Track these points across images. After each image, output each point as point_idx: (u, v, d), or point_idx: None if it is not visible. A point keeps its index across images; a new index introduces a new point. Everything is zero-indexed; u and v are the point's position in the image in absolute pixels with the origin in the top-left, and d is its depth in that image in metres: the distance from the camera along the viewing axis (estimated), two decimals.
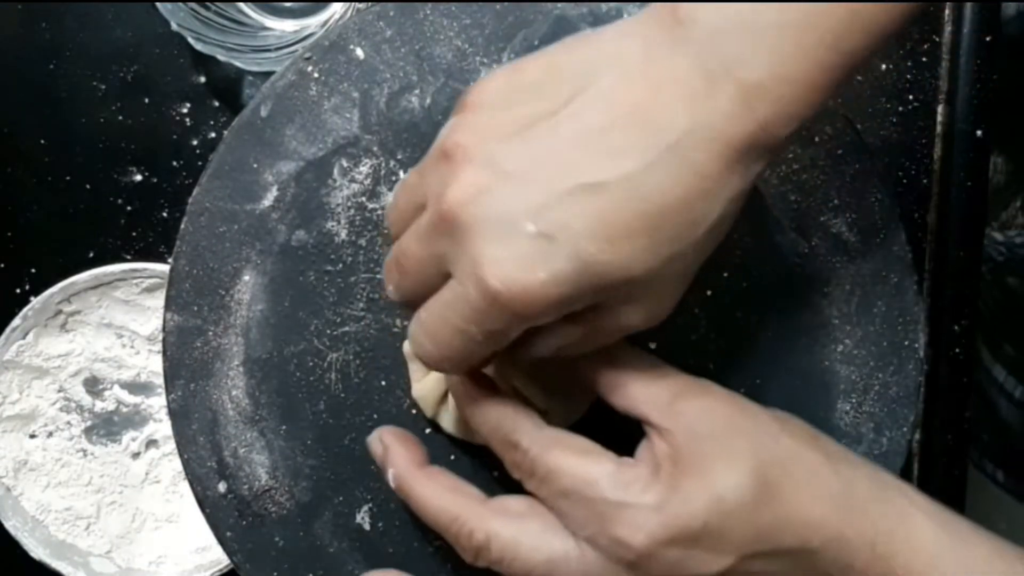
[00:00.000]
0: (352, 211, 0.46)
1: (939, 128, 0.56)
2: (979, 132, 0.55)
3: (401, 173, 0.46)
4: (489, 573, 0.39)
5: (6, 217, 0.57)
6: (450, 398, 0.43)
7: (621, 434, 0.37)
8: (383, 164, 0.46)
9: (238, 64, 0.54)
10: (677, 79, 0.32)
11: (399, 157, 0.46)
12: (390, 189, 0.46)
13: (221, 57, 0.53)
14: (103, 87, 0.57)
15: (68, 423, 0.58)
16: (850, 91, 0.55)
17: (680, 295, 0.36)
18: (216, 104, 0.57)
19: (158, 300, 0.56)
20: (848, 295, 0.46)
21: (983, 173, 0.56)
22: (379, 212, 0.46)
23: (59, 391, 0.57)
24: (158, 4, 0.51)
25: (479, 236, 0.32)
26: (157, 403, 0.58)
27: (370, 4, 0.47)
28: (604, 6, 0.46)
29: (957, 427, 0.55)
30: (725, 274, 0.46)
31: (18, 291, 0.57)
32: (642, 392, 0.37)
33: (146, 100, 0.57)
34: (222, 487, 0.45)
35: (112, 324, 0.57)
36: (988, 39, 0.55)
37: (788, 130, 0.33)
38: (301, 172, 0.46)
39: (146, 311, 0.57)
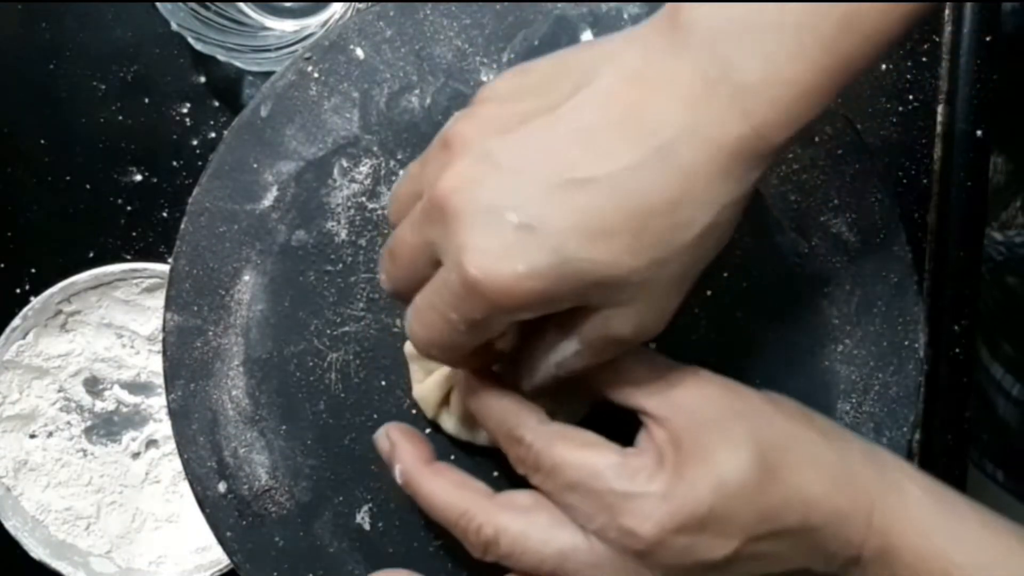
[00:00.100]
0: (352, 211, 0.46)
1: (939, 128, 0.56)
2: (979, 132, 0.55)
3: (401, 173, 0.46)
4: (491, 572, 0.39)
5: (6, 217, 0.57)
6: (451, 399, 0.43)
7: (620, 430, 0.37)
8: (383, 164, 0.46)
9: (238, 64, 0.54)
10: (673, 82, 0.33)
11: (399, 157, 0.46)
12: (390, 189, 0.46)
13: (221, 57, 0.53)
14: (103, 87, 0.57)
15: (68, 423, 0.58)
16: (850, 91, 0.55)
17: (674, 307, 0.35)
18: (216, 104, 0.57)
19: (158, 300, 0.56)
20: (848, 295, 0.46)
21: (983, 173, 0.56)
22: (379, 212, 0.46)
23: (59, 391, 0.57)
24: (158, 4, 0.51)
25: (465, 224, 0.33)
26: (157, 403, 0.58)
27: (370, 4, 0.47)
28: (604, 6, 0.46)
29: (957, 427, 0.55)
30: (725, 274, 0.46)
31: (18, 291, 0.57)
32: (636, 383, 0.37)
33: (146, 100, 0.57)
34: (222, 487, 0.45)
35: (112, 324, 0.57)
36: (988, 39, 0.55)
37: (784, 136, 0.33)
38: (301, 172, 0.46)
39: (146, 311, 0.57)
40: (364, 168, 0.46)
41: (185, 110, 0.57)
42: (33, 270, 0.57)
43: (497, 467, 0.44)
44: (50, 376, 0.57)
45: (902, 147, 0.56)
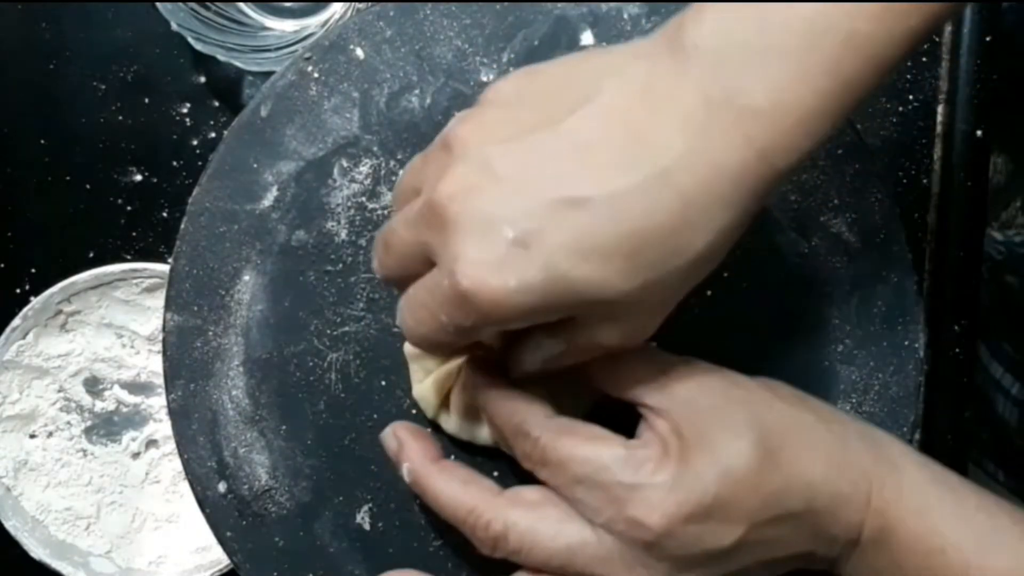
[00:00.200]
0: (352, 211, 0.46)
1: (939, 128, 0.56)
2: (979, 132, 0.55)
3: (401, 173, 0.46)
4: (491, 570, 0.39)
5: (6, 217, 0.57)
6: (451, 398, 0.43)
7: (618, 425, 0.37)
8: (383, 164, 0.46)
9: (238, 64, 0.54)
10: (676, 103, 0.32)
11: (399, 157, 0.46)
12: (390, 189, 0.46)
13: (221, 57, 0.53)
14: (103, 87, 0.57)
15: (68, 423, 0.58)
16: None
17: (662, 319, 0.36)
18: (216, 104, 0.57)
19: (158, 300, 0.56)
20: (848, 295, 0.46)
21: (983, 173, 0.56)
22: (379, 212, 0.46)
23: (59, 391, 0.57)
24: (158, 4, 0.51)
25: (460, 233, 0.33)
26: (157, 403, 0.58)
27: (370, 4, 0.47)
28: (604, 6, 0.46)
29: (957, 427, 0.55)
30: (725, 274, 0.46)
31: (18, 291, 0.57)
32: (634, 378, 0.37)
33: (146, 100, 0.57)
34: (222, 487, 0.45)
35: (112, 324, 0.57)
36: (988, 39, 0.55)
37: (788, 162, 0.33)
38: (301, 172, 0.46)
39: (146, 311, 0.57)
40: (364, 168, 0.46)
41: (185, 110, 0.57)
42: (33, 270, 0.57)
43: (497, 467, 0.44)
44: (50, 376, 0.57)
45: (902, 147, 0.56)
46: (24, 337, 0.56)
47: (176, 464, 0.56)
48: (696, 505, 0.35)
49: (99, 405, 0.58)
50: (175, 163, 0.57)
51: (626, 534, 0.35)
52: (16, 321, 0.55)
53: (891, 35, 0.32)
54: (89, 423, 0.58)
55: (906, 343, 0.46)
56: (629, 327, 0.35)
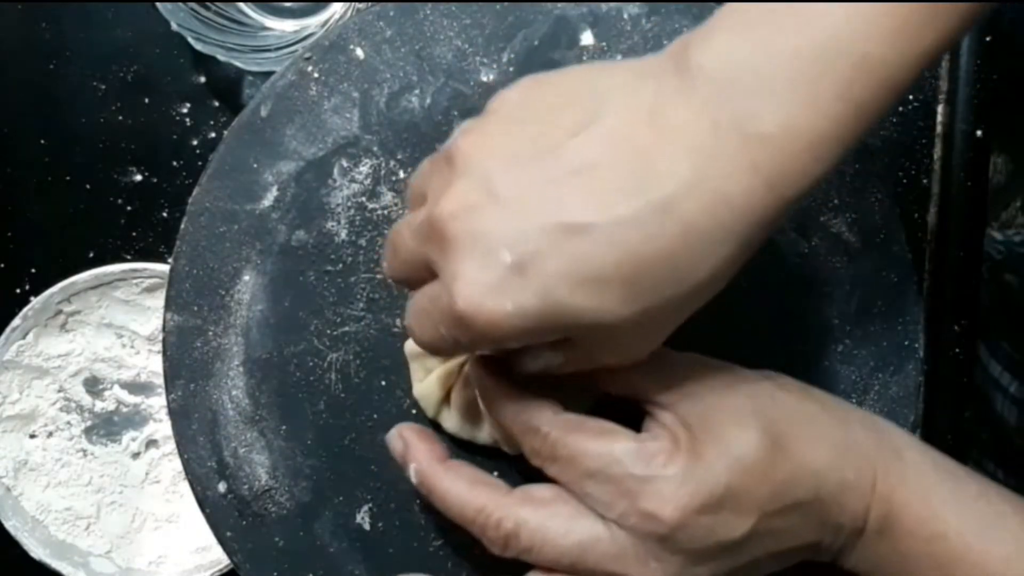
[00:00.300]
0: (352, 211, 0.46)
1: (939, 128, 0.56)
2: (979, 132, 0.55)
3: (401, 173, 0.46)
4: (492, 570, 0.39)
5: (6, 217, 0.57)
6: (451, 397, 0.43)
7: (620, 421, 0.37)
8: (383, 164, 0.46)
9: (238, 64, 0.54)
10: (682, 128, 0.32)
11: (399, 157, 0.46)
12: (390, 189, 0.46)
13: (221, 57, 0.53)
14: (103, 87, 0.57)
15: (68, 423, 0.58)
16: None
17: (662, 340, 0.35)
18: (216, 104, 0.57)
19: (158, 300, 0.56)
20: (848, 295, 0.46)
21: (983, 173, 0.56)
22: (379, 212, 0.46)
23: (59, 391, 0.57)
24: (158, 4, 0.51)
25: (459, 253, 0.33)
26: (157, 403, 0.58)
27: (370, 4, 0.47)
28: (604, 6, 0.46)
29: (957, 427, 0.55)
30: None
31: (18, 291, 0.57)
32: (637, 375, 0.37)
33: (146, 100, 0.57)
34: (222, 487, 0.45)
35: (112, 324, 0.57)
36: (988, 39, 0.55)
37: (796, 190, 0.32)
38: (301, 172, 0.46)
39: (146, 311, 0.57)
40: (364, 168, 0.46)
41: (185, 110, 0.57)
42: (33, 270, 0.57)
43: (497, 466, 0.44)
44: (50, 376, 0.57)
45: (902, 147, 0.56)
46: (24, 337, 0.56)
47: (176, 464, 0.56)
48: (708, 496, 0.35)
49: (99, 405, 0.58)
50: (175, 163, 0.57)
51: (639, 527, 0.35)
52: (16, 321, 0.55)
53: (904, 57, 0.31)
54: (89, 423, 0.58)
55: (906, 343, 0.46)
56: (627, 348, 0.35)
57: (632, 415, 0.38)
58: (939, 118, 0.56)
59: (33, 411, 0.57)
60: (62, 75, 0.57)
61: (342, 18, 0.50)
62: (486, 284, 0.32)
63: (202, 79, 0.57)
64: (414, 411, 0.45)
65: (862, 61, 0.31)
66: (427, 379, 0.44)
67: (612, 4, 0.46)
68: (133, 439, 0.58)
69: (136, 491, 0.58)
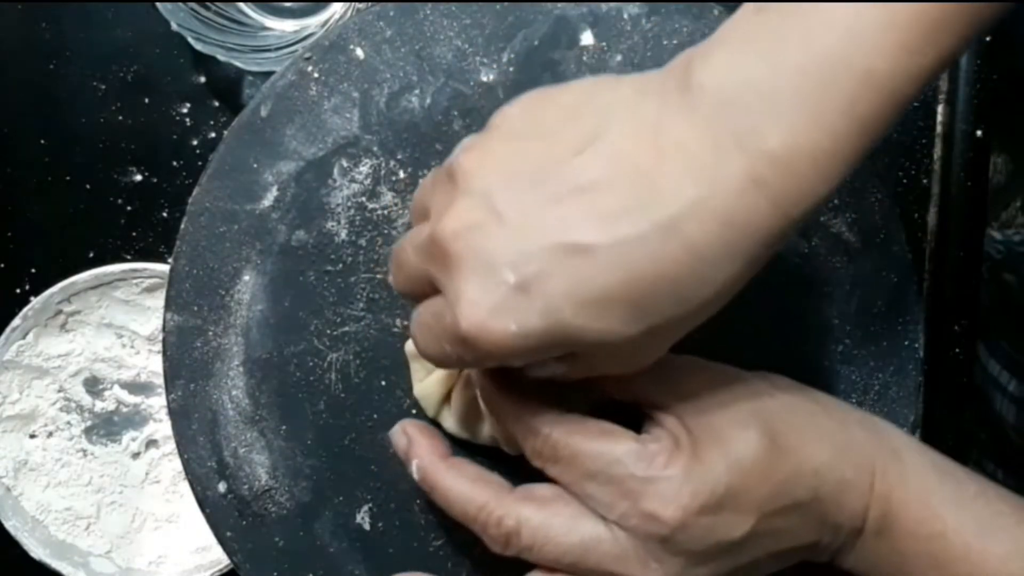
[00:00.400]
0: (352, 211, 0.46)
1: (939, 128, 0.56)
2: (979, 132, 0.55)
3: (401, 173, 0.46)
4: (492, 570, 0.39)
5: (6, 217, 0.57)
6: (452, 397, 0.43)
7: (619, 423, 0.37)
8: (383, 164, 0.46)
9: (238, 64, 0.54)
10: (685, 148, 0.31)
11: (399, 157, 0.46)
12: (390, 189, 0.46)
13: (221, 57, 0.53)
14: (103, 87, 0.57)
15: (68, 423, 0.58)
16: None
17: (663, 352, 0.35)
18: (216, 104, 0.57)
19: (158, 300, 0.56)
20: (848, 295, 0.46)
21: (983, 173, 0.56)
22: (379, 212, 0.46)
23: (59, 391, 0.57)
24: (158, 4, 0.51)
25: (462, 272, 0.33)
26: (157, 403, 0.58)
27: (370, 4, 0.47)
28: (604, 6, 0.46)
29: (957, 427, 0.55)
30: None
31: (18, 291, 0.57)
32: (636, 377, 0.37)
33: (146, 100, 0.57)
34: (222, 487, 0.45)
35: (112, 324, 0.57)
36: (988, 39, 0.56)
37: (801, 209, 0.32)
38: (301, 172, 0.46)
39: (146, 311, 0.57)
40: (364, 168, 0.46)
41: (185, 110, 0.57)
42: (33, 270, 0.57)
43: (497, 467, 0.44)
44: (50, 376, 0.57)
45: (902, 147, 0.56)
46: (24, 337, 0.56)
47: (176, 464, 0.56)
48: (709, 496, 0.35)
49: (99, 405, 0.58)
50: (175, 163, 0.57)
51: (640, 528, 0.35)
52: (16, 321, 0.55)
53: (908, 72, 0.31)
54: (89, 423, 0.58)
55: (906, 343, 0.46)
56: (631, 361, 0.35)
57: (632, 416, 0.38)
58: (939, 118, 0.56)
59: (33, 411, 0.57)
60: (62, 75, 0.57)
61: (342, 18, 0.50)
62: (490, 305, 0.32)
63: (202, 79, 0.57)
64: (414, 411, 0.45)
65: (866, 77, 0.30)
66: (427, 379, 0.44)
67: (612, 4, 0.46)
68: (133, 439, 0.58)
69: (136, 491, 0.58)
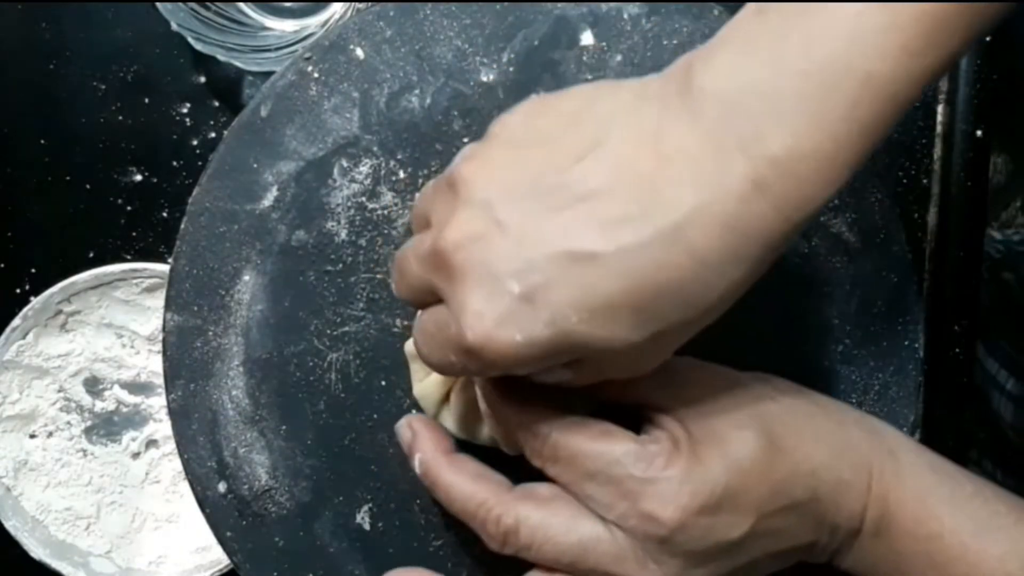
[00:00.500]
0: (352, 211, 0.46)
1: (939, 128, 0.56)
2: (979, 132, 0.55)
3: (401, 173, 0.46)
4: (491, 570, 0.39)
5: (6, 217, 0.57)
6: (452, 397, 0.43)
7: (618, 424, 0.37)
8: (383, 164, 0.46)
9: (238, 64, 0.54)
10: (687, 153, 0.31)
11: (399, 157, 0.46)
12: (390, 189, 0.46)
13: (221, 57, 0.53)
14: (103, 87, 0.57)
15: (68, 423, 0.58)
16: None
17: (668, 356, 0.35)
18: (216, 104, 0.57)
19: (158, 300, 0.56)
20: (848, 295, 0.46)
21: (983, 173, 0.56)
22: (379, 212, 0.46)
23: (59, 391, 0.57)
24: (158, 4, 0.51)
25: (466, 284, 0.33)
26: (157, 403, 0.58)
27: (370, 4, 0.47)
28: (604, 6, 0.46)
29: (957, 427, 0.55)
30: None
31: (18, 291, 0.57)
32: (635, 380, 0.37)
33: (146, 100, 0.57)
34: (222, 487, 0.45)
35: (112, 324, 0.57)
36: (988, 39, 0.56)
37: (804, 213, 0.31)
38: (301, 172, 0.46)
39: (146, 311, 0.57)
40: (364, 168, 0.46)
41: (185, 110, 0.57)
42: (33, 270, 0.57)
43: (497, 466, 0.44)
44: (50, 376, 0.57)
45: (902, 147, 0.56)
46: (24, 337, 0.56)
47: (176, 464, 0.56)
48: (708, 496, 0.35)
49: (99, 405, 0.58)
50: (175, 163, 0.57)
51: (639, 529, 0.35)
52: (16, 321, 0.55)
53: (909, 74, 0.31)
54: (89, 423, 0.58)
55: (906, 343, 0.46)
56: (636, 366, 0.35)
57: (631, 417, 0.38)
58: (939, 118, 0.56)
59: (33, 411, 0.57)
60: (62, 75, 0.57)
61: (342, 18, 0.50)
62: (494, 316, 0.32)
63: (202, 79, 0.57)
64: (414, 411, 0.45)
65: (867, 79, 0.30)
66: (427, 379, 0.44)
67: (612, 4, 0.46)
68: (133, 439, 0.58)
69: (136, 491, 0.58)
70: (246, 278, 0.45)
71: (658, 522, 0.35)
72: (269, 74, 0.48)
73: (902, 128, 0.56)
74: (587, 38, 0.46)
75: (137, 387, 0.58)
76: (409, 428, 0.41)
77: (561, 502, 0.37)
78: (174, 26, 0.51)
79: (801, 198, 0.31)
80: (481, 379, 0.39)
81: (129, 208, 0.57)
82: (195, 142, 0.57)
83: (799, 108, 0.30)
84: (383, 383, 0.45)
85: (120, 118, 0.57)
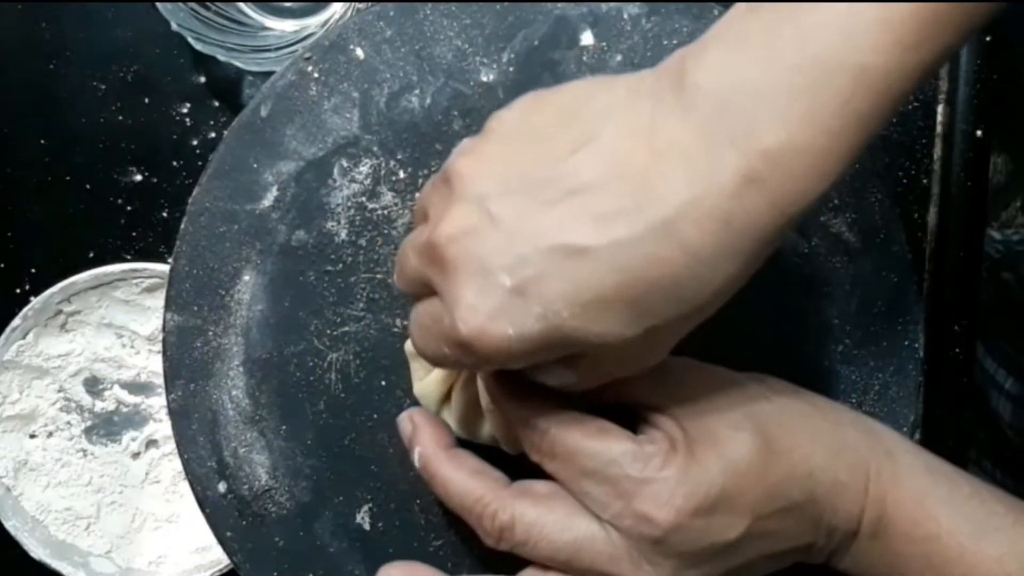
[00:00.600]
0: (352, 211, 0.46)
1: (939, 128, 0.56)
2: (979, 132, 0.55)
3: (401, 173, 0.46)
4: (491, 570, 0.39)
5: (6, 217, 0.57)
6: (452, 396, 0.43)
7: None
8: (383, 164, 0.46)
9: (238, 64, 0.54)
10: (680, 148, 0.31)
11: (399, 157, 0.46)
12: (390, 189, 0.46)
13: (221, 57, 0.53)
14: (103, 87, 0.57)
15: (68, 423, 0.58)
16: None
17: (666, 353, 0.35)
18: (216, 104, 0.57)
19: (158, 300, 0.56)
20: (848, 295, 0.46)
21: (983, 173, 0.56)
22: (379, 212, 0.46)
23: (59, 391, 0.57)
24: (158, 4, 0.51)
25: (459, 277, 0.33)
26: (157, 403, 0.58)
27: (370, 4, 0.47)
28: (604, 6, 0.46)
29: (956, 427, 0.55)
30: None
31: (18, 291, 0.57)
32: (632, 378, 0.37)
33: (146, 100, 0.57)
34: (222, 487, 0.45)
35: (112, 324, 0.57)
36: (988, 39, 0.55)
37: (798, 207, 0.31)
38: (301, 172, 0.46)
39: (146, 311, 0.57)
40: (364, 168, 0.46)
41: (185, 110, 0.57)
42: (33, 270, 0.57)
43: (497, 465, 0.44)
44: (50, 376, 0.57)
45: (902, 147, 0.56)
46: (24, 337, 0.56)
47: (176, 464, 0.56)
48: (703, 498, 0.35)
49: (99, 405, 0.58)
50: (175, 163, 0.57)
51: (634, 529, 0.35)
52: (16, 321, 0.55)
53: (903, 68, 0.31)
54: (89, 423, 0.58)
55: (906, 343, 0.46)
56: (634, 363, 0.35)
57: (629, 416, 0.38)
58: (939, 118, 0.56)
59: (33, 411, 0.57)
60: (62, 75, 0.57)
61: (342, 18, 0.50)
62: (487, 309, 0.32)
63: (202, 79, 0.57)
64: None
65: (860, 74, 0.30)
66: (427, 378, 0.44)
67: (612, 4, 0.46)
68: (133, 439, 0.58)
69: (136, 491, 0.58)
70: (246, 278, 0.45)
71: (653, 523, 0.35)
72: (269, 74, 0.48)
73: (902, 128, 0.56)
74: (587, 38, 0.46)
75: (137, 387, 0.58)
76: (410, 421, 0.41)
77: (558, 500, 0.37)
78: (174, 26, 0.51)
79: (795, 192, 0.31)
80: (484, 373, 0.39)
81: (129, 208, 0.57)
82: (195, 142, 0.57)
83: (792, 103, 0.30)
84: (383, 383, 0.45)
85: (120, 118, 0.57)
